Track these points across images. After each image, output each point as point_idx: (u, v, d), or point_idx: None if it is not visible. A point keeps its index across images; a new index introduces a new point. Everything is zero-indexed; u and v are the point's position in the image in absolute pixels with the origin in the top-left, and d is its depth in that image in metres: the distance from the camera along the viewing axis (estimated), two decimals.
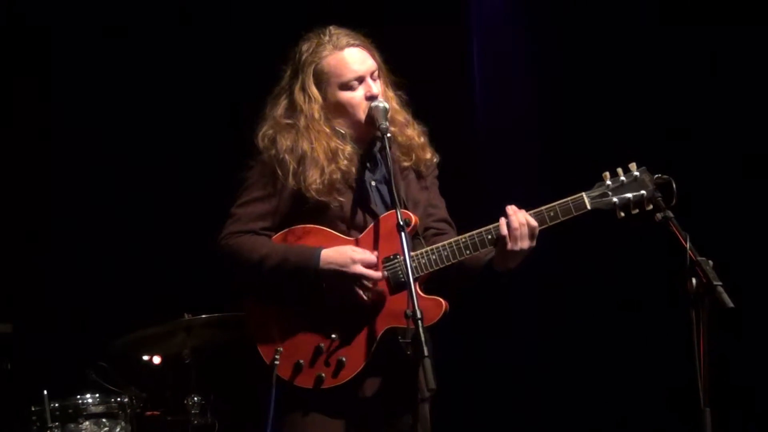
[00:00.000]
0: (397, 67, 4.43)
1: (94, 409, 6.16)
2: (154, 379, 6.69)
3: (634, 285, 7.03)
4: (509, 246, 4.04)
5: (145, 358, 6.68)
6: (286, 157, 4.15)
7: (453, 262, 4.11)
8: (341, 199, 4.16)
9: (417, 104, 4.46)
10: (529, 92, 7.61)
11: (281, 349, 4.14)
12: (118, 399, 6.23)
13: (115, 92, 7.60)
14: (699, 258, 3.79)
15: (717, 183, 6.84)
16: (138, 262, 7.51)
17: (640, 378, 7.06)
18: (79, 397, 6.14)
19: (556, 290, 7.37)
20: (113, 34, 7.52)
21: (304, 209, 4.18)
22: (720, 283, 3.73)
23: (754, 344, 6.69)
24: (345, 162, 4.16)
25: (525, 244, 4.04)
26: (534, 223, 4.04)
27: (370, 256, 4.09)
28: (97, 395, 6.19)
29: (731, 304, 3.70)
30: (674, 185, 3.96)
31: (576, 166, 4.20)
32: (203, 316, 6.16)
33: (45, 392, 6.01)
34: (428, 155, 4.36)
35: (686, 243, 3.82)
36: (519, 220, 4.03)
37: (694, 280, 3.78)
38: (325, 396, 4.12)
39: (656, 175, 4.03)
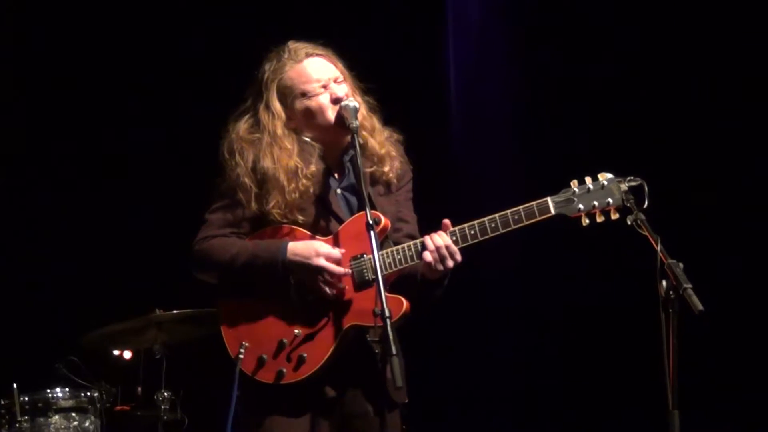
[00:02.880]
0: (370, 72, 4.43)
1: (63, 404, 6.16)
2: (124, 374, 6.67)
3: (604, 286, 7.05)
4: (427, 270, 4.13)
5: (116, 352, 6.67)
6: (246, 181, 4.19)
7: (416, 261, 4.15)
8: (302, 217, 4.20)
9: (392, 110, 4.46)
10: (505, 95, 7.63)
11: (247, 343, 4.16)
12: (88, 393, 6.22)
13: (90, 86, 7.59)
14: (669, 260, 3.80)
15: (689, 187, 6.87)
16: (110, 257, 7.49)
17: (608, 379, 7.08)
18: (48, 391, 6.13)
19: (525, 293, 7.40)
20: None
21: (271, 222, 4.23)
22: (690, 285, 3.75)
23: (723, 347, 6.73)
24: (304, 182, 4.19)
25: (448, 264, 4.11)
26: (453, 247, 4.09)
27: (335, 252, 4.12)
28: (67, 389, 6.19)
29: (701, 307, 3.71)
30: (646, 188, 3.97)
31: (552, 170, 4.21)
32: (174, 311, 6.17)
33: (14, 386, 5.99)
34: (395, 164, 4.35)
35: (657, 245, 3.84)
36: (436, 243, 4.10)
37: (664, 283, 3.80)
38: (288, 391, 4.14)
39: (628, 178, 4.04)
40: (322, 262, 4.09)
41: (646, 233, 3.89)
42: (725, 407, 6.74)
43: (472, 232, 4.11)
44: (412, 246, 4.15)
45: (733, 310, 6.54)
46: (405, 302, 4.09)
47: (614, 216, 4.07)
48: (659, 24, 7.09)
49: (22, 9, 7.51)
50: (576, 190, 4.11)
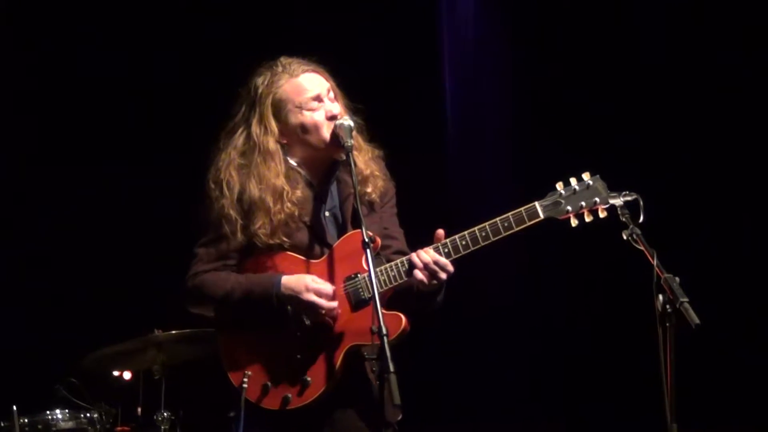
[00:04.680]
0: (366, 82, 4.45)
1: (63, 425, 6.15)
2: (124, 394, 6.67)
3: (602, 301, 7.06)
4: (421, 285, 4.14)
5: (116, 373, 6.66)
6: (232, 213, 4.21)
7: (408, 278, 4.16)
8: (289, 240, 4.22)
9: (387, 118, 4.48)
10: (500, 100, 7.65)
11: (249, 372, 4.19)
12: (88, 415, 6.21)
13: (86, 100, 7.62)
14: (666, 275, 3.82)
15: (686, 200, 6.88)
16: (109, 277, 7.49)
17: (607, 394, 7.08)
18: (48, 412, 6.13)
19: (520, 310, 7.40)
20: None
21: (260, 248, 4.25)
22: (687, 299, 3.76)
23: (721, 360, 6.74)
24: (289, 205, 4.21)
25: (441, 277, 4.13)
26: (442, 260, 4.10)
27: (326, 287, 4.15)
28: (67, 411, 6.18)
29: (698, 321, 3.73)
30: (642, 202, 3.99)
31: (547, 175, 4.23)
32: (174, 331, 6.16)
33: (14, 408, 5.99)
34: (378, 183, 4.38)
35: (653, 260, 3.85)
36: (423, 259, 4.12)
37: (661, 297, 3.81)
38: (294, 416, 4.15)
39: (624, 192, 4.06)
40: (312, 297, 4.13)
41: (642, 248, 3.90)
42: (724, 421, 6.74)
43: (464, 242, 4.13)
44: (401, 263, 4.16)
45: (730, 324, 6.56)
46: (404, 319, 4.10)
47: (602, 214, 4.10)
48: (657, 32, 7.12)
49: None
50: (562, 192, 4.14)
